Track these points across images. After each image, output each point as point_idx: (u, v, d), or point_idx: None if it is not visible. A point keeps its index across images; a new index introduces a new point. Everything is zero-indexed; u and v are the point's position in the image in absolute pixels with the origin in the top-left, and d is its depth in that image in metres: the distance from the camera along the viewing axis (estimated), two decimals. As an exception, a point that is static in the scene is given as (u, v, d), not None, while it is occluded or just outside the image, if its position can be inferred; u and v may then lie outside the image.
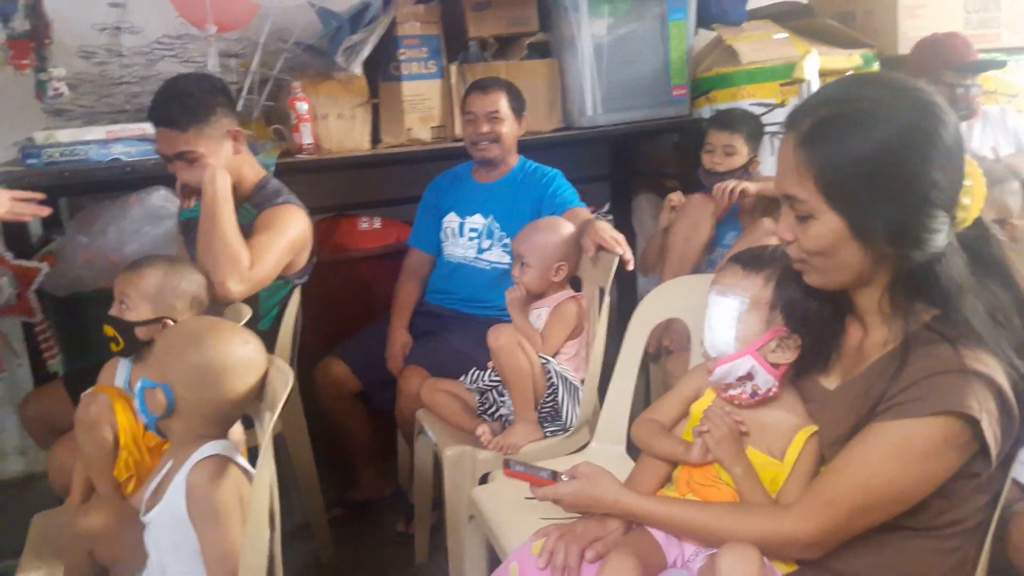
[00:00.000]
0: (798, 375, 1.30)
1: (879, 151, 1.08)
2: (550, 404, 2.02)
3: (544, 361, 2.01)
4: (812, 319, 1.25)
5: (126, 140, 2.35)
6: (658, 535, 1.27)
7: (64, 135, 2.34)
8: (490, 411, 2.09)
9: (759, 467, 1.27)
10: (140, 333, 1.69)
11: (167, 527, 1.34)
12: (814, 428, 1.25)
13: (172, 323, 1.67)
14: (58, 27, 2.49)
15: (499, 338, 1.98)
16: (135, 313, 1.68)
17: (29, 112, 2.58)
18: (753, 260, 1.30)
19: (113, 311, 1.69)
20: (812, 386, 1.29)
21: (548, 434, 2.04)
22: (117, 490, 1.66)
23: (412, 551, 2.38)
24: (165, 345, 1.37)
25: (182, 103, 1.94)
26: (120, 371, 1.75)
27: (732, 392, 1.29)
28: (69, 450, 1.85)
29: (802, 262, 1.19)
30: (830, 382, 1.27)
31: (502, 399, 2.06)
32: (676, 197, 2.64)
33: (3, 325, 2.22)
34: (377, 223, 2.92)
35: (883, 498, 1.10)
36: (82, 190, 2.49)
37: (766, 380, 1.26)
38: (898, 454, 1.08)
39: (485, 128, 2.46)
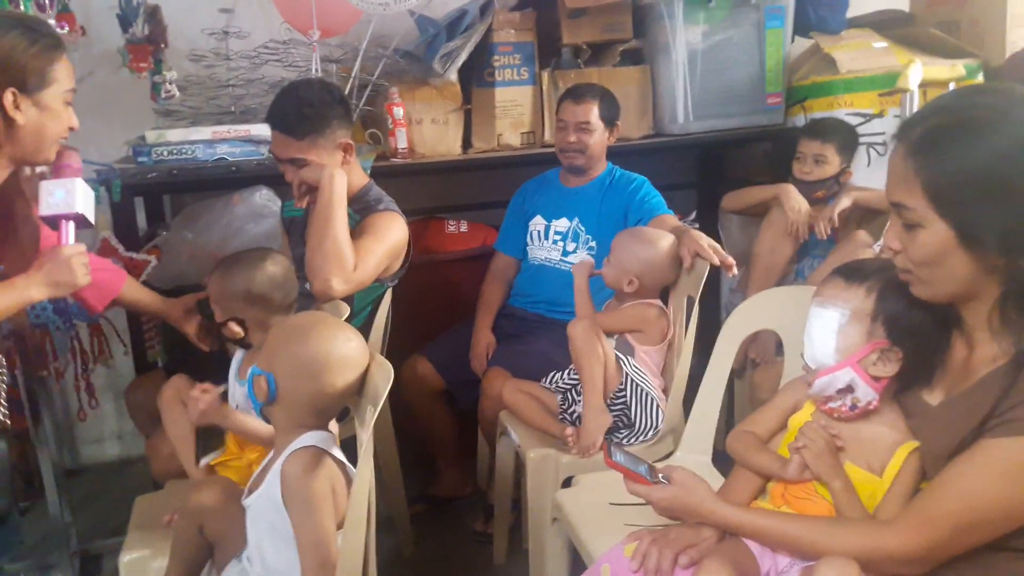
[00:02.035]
0: (900, 390, 1.28)
1: (992, 159, 1.07)
2: (620, 403, 2.02)
3: (619, 359, 2.02)
4: (916, 332, 1.23)
5: (231, 140, 2.43)
6: (752, 545, 1.26)
7: (173, 135, 2.43)
8: (569, 411, 2.10)
9: (857, 482, 1.25)
10: (225, 332, 1.80)
11: (265, 511, 1.40)
12: (915, 444, 1.24)
13: (237, 323, 1.78)
14: (170, 31, 2.59)
15: (577, 326, 2.02)
16: (216, 316, 1.80)
17: (141, 112, 2.70)
18: (855, 272, 1.29)
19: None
20: (914, 401, 1.27)
21: (622, 440, 2.05)
22: (198, 468, 1.78)
23: (491, 551, 2.41)
24: (274, 336, 1.43)
25: (301, 112, 2.00)
26: (234, 361, 1.85)
27: (832, 405, 1.28)
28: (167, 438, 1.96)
29: (908, 272, 1.18)
30: (933, 397, 1.25)
31: (579, 397, 2.06)
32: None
33: (110, 314, 2.32)
34: (464, 226, 2.97)
35: (990, 517, 1.08)
36: (188, 188, 2.59)
37: (866, 393, 1.24)
38: (1008, 472, 1.06)
39: (573, 138, 2.49)
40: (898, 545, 1.12)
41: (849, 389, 1.25)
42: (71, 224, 1.59)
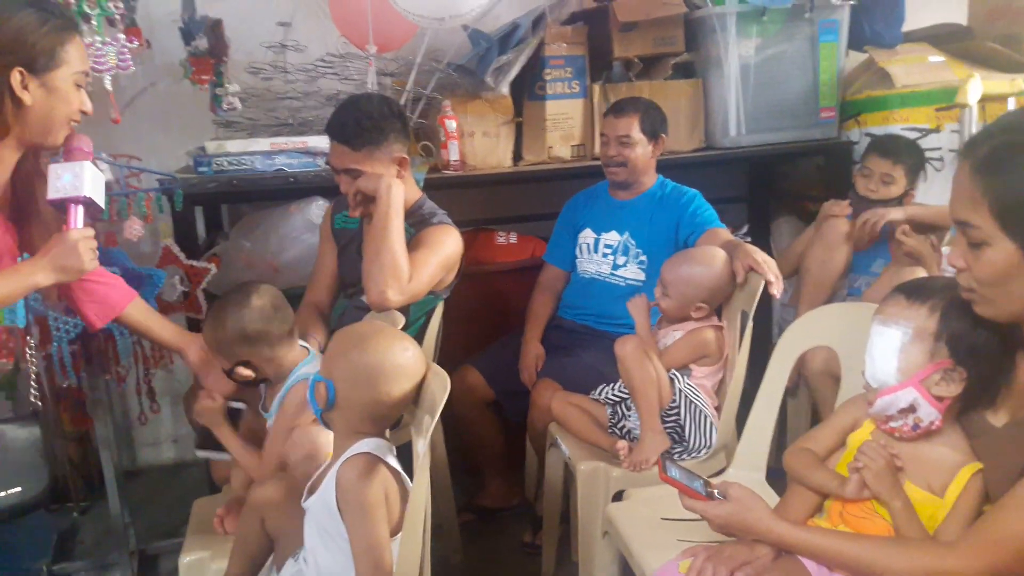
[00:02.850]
0: (963, 410, 1.27)
1: None
2: (672, 419, 2.01)
3: (672, 377, 2.01)
4: (980, 352, 1.21)
5: (289, 152, 2.48)
6: (808, 564, 1.25)
7: (233, 145, 2.49)
8: (618, 425, 2.10)
9: (917, 503, 1.25)
10: (236, 379, 1.80)
11: (319, 514, 1.43)
12: (978, 465, 1.22)
13: (244, 366, 1.77)
14: (230, 44, 2.66)
15: (625, 346, 2.00)
16: (223, 364, 1.80)
17: (201, 123, 2.77)
18: (917, 290, 1.28)
19: None
20: (978, 422, 1.25)
21: (674, 456, 2.04)
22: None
23: (539, 562, 2.40)
24: (335, 344, 1.47)
25: (360, 124, 2.04)
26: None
27: (893, 424, 1.27)
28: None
29: (972, 292, 1.16)
30: (998, 419, 1.23)
31: (628, 412, 2.06)
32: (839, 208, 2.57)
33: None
34: (513, 238, 2.98)
35: None
36: (247, 197, 2.65)
37: (929, 413, 1.23)
38: (1077, 496, 1.04)
39: (613, 152, 2.49)
40: (962, 567, 1.11)
41: (911, 409, 1.24)
42: (79, 208, 1.55)
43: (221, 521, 1.77)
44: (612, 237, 2.55)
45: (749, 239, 3.06)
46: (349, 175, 2.07)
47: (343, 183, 2.10)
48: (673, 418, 2.01)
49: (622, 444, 2.00)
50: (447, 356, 2.42)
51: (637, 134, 2.47)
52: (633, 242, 2.51)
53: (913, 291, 1.28)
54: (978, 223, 1.11)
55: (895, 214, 2.48)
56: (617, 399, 2.10)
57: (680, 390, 2.00)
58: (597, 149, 2.86)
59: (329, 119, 2.10)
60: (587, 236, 2.60)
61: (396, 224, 1.98)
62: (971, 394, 1.23)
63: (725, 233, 2.38)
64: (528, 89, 2.83)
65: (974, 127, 2.60)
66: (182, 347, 1.92)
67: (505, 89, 2.71)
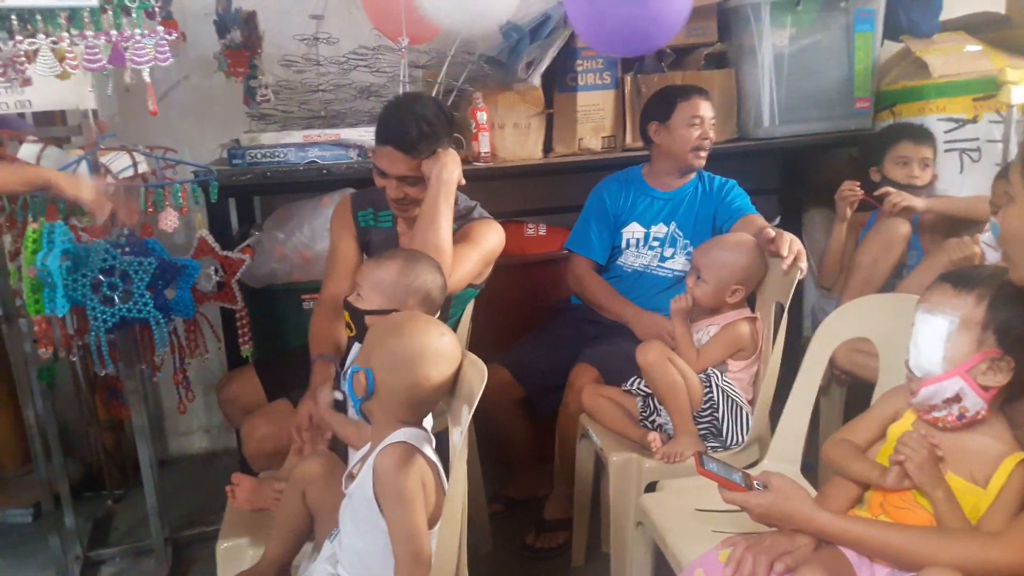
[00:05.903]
0: (1007, 399, 1.25)
1: None
2: (707, 418, 2.00)
3: (709, 374, 2.00)
4: None
5: (321, 144, 2.50)
6: (849, 555, 1.25)
7: (266, 138, 2.51)
8: (649, 418, 2.09)
9: (959, 493, 1.23)
10: (368, 322, 1.73)
11: (357, 501, 1.43)
12: (1022, 455, 1.20)
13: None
14: (264, 37, 2.67)
15: (647, 355, 1.99)
16: (366, 302, 1.73)
17: (235, 116, 2.79)
18: (964, 278, 1.26)
19: (350, 298, 1.77)
20: (1022, 411, 1.23)
21: (709, 450, 2.02)
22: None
23: (568, 554, 2.40)
24: (372, 333, 1.48)
25: (421, 131, 1.96)
26: (351, 356, 1.84)
27: (936, 414, 1.26)
28: (262, 419, 2.06)
29: (1005, 254, 1.16)
30: (1044, 408, 1.21)
31: (660, 406, 2.05)
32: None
33: (205, 310, 2.39)
34: (542, 230, 2.98)
35: None
36: (280, 189, 2.66)
37: (975, 403, 1.22)
38: None
39: (712, 135, 2.46)
40: (1007, 558, 1.10)
41: (956, 399, 1.23)
42: None
43: (232, 491, 1.80)
44: (660, 230, 2.53)
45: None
46: (403, 181, 2.02)
47: (391, 187, 2.03)
48: (709, 416, 2.00)
49: (654, 436, 2.00)
50: (476, 347, 2.41)
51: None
52: (680, 233, 2.50)
53: (960, 279, 1.26)
54: (1014, 179, 1.13)
55: (917, 200, 2.47)
56: (648, 391, 2.09)
57: (717, 385, 1.99)
58: (630, 140, 2.85)
59: (383, 123, 2.01)
60: (635, 231, 2.55)
61: (445, 212, 1.94)
62: (1017, 383, 1.22)
63: (759, 220, 2.36)
64: (559, 80, 2.82)
65: (1015, 121, 2.57)
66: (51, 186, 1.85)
67: (536, 80, 2.70)
